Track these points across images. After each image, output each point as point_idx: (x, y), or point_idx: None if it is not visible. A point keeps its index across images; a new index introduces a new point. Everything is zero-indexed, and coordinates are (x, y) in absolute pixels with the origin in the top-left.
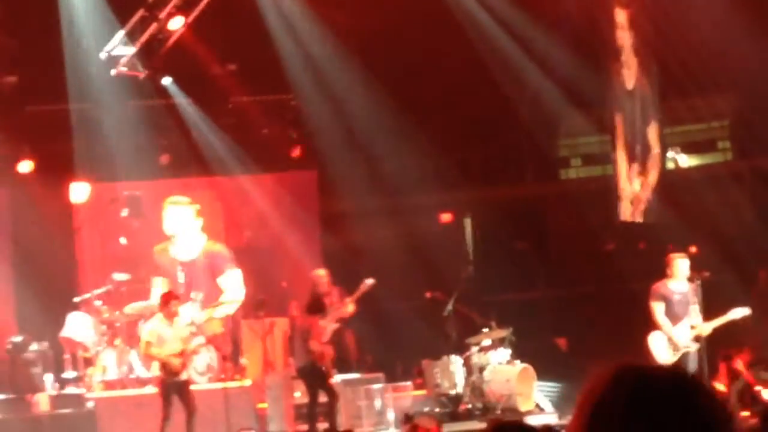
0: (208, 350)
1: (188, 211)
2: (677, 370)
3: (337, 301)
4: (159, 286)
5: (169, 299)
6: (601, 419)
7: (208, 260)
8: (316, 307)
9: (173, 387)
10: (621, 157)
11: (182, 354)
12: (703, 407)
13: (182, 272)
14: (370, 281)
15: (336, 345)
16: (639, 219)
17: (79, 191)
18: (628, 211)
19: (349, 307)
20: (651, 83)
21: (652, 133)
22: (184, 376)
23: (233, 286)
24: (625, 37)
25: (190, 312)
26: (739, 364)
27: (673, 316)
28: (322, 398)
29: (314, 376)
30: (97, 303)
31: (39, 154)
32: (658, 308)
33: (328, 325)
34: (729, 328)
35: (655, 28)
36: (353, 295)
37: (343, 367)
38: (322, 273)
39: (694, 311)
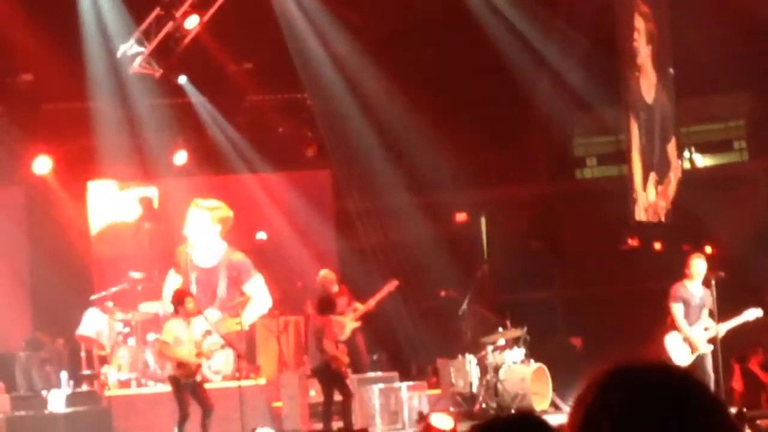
0: (223, 349)
1: (205, 216)
2: (673, 368)
3: (349, 300)
4: (173, 282)
5: (183, 297)
6: (595, 421)
7: (230, 270)
8: (327, 306)
9: (187, 387)
10: (636, 162)
11: (198, 356)
12: (700, 406)
13: (197, 277)
14: (394, 282)
15: (349, 346)
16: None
17: (94, 190)
18: (642, 215)
19: (368, 306)
20: (670, 97)
21: (672, 148)
22: (198, 377)
23: (259, 291)
24: (642, 45)
25: (208, 315)
26: (754, 365)
27: (690, 319)
28: (337, 397)
29: (329, 376)
30: (112, 302)
31: (55, 152)
32: (678, 309)
33: (348, 323)
34: (743, 329)
35: (673, 29)
36: (377, 296)
37: (354, 368)
38: (328, 273)
39: (705, 315)
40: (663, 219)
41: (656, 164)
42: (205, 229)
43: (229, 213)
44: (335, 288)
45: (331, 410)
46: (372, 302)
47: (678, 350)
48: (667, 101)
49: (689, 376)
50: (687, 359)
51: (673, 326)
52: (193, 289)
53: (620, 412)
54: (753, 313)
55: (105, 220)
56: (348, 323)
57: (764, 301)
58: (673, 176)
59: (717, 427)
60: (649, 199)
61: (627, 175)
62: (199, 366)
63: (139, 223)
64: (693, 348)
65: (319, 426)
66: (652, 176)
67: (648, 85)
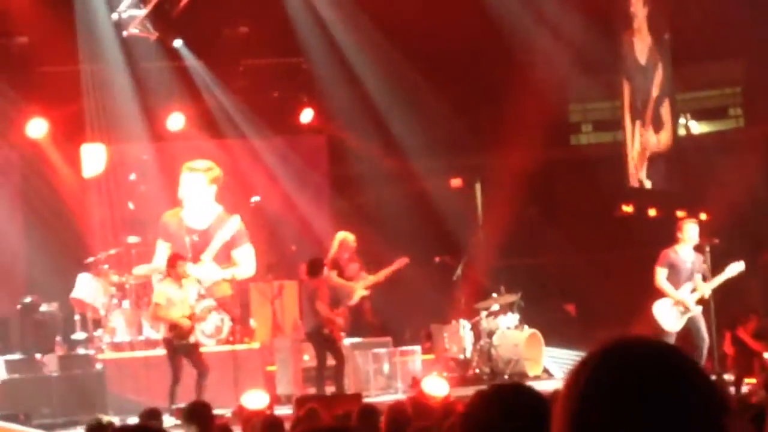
0: (218, 313)
1: (201, 178)
2: (666, 345)
3: (360, 268)
4: (163, 251)
5: (175, 260)
6: (589, 400)
7: (224, 232)
8: (318, 267)
9: (181, 349)
10: (629, 125)
11: (191, 317)
12: (692, 385)
13: (190, 239)
14: (404, 259)
15: (355, 311)
16: (645, 183)
17: (92, 153)
18: (634, 177)
19: (378, 278)
20: (664, 59)
21: (665, 108)
22: (192, 339)
23: (247, 261)
24: (639, 8)
25: (198, 271)
26: (743, 333)
27: (678, 283)
28: (330, 361)
29: (321, 338)
30: (107, 265)
31: (50, 115)
32: (661, 273)
33: (357, 290)
34: (736, 297)
35: None
36: (387, 269)
37: (359, 332)
38: (348, 236)
39: (699, 280)
40: (651, 178)
41: (649, 123)
42: (201, 192)
43: (219, 171)
44: (348, 253)
45: (324, 374)
46: (382, 275)
47: (668, 316)
48: (662, 64)
49: (682, 354)
50: (678, 324)
51: (661, 293)
52: (187, 249)
53: (612, 392)
54: (735, 268)
55: (100, 183)
56: (358, 290)
57: (758, 267)
58: (667, 134)
59: (708, 406)
60: (636, 157)
61: (622, 141)
62: (192, 328)
63: (133, 187)
64: (682, 309)
65: (313, 390)
66: (638, 134)
67: (643, 47)
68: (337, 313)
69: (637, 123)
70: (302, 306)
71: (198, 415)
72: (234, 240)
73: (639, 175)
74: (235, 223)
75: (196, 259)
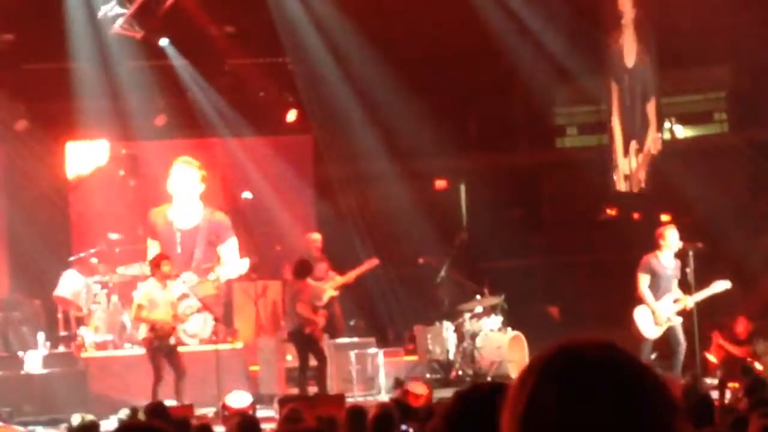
0: (199, 313)
1: (195, 174)
2: (613, 347)
3: (328, 268)
4: (155, 249)
5: (159, 261)
6: (536, 402)
7: (210, 229)
8: (305, 269)
9: (161, 350)
10: (617, 128)
11: (173, 318)
12: (637, 384)
13: (179, 238)
14: (374, 260)
15: (326, 312)
16: (634, 190)
17: (77, 151)
18: (622, 185)
19: (348, 278)
20: (651, 60)
21: (651, 109)
22: (172, 341)
23: (233, 254)
24: (626, 7)
25: (186, 278)
26: (724, 339)
27: (660, 290)
28: (312, 362)
29: (303, 339)
30: (92, 261)
31: (35, 112)
32: (643, 280)
33: (327, 291)
34: (719, 302)
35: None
36: (356, 270)
37: (331, 334)
38: (316, 237)
39: (675, 286)
40: (644, 186)
41: (638, 131)
42: (191, 188)
43: (205, 173)
44: (317, 253)
45: (306, 375)
46: (351, 275)
47: (647, 322)
48: (649, 63)
49: (630, 356)
50: (657, 332)
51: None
52: (177, 249)
53: (560, 394)
54: (721, 285)
55: (85, 177)
56: (327, 290)
57: (741, 273)
58: (651, 138)
59: (657, 406)
60: (631, 167)
61: (607, 144)
62: (173, 329)
63: (124, 179)
64: (658, 320)
65: (295, 391)
66: (633, 144)
67: (630, 49)
68: (317, 315)
69: (632, 143)
70: (285, 306)
71: (156, 415)
72: (219, 235)
73: (638, 175)
74: (219, 218)
75: (185, 258)
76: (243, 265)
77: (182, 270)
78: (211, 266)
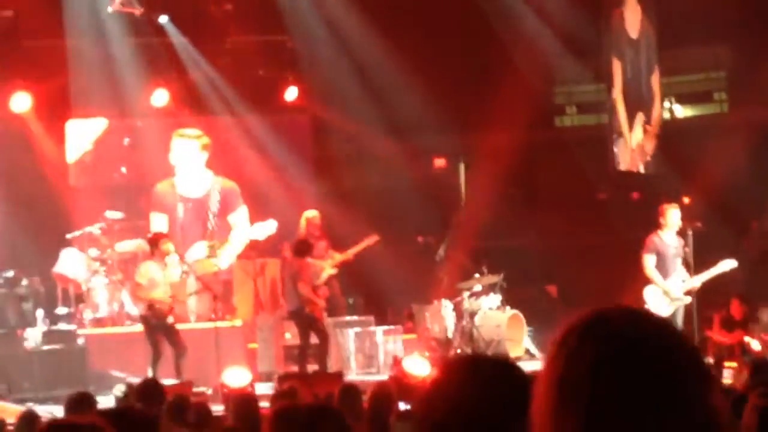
0: (199, 294)
1: (194, 144)
2: (650, 314)
3: (327, 246)
4: (158, 222)
5: (158, 239)
6: (574, 368)
7: (221, 197)
8: (304, 248)
9: (159, 328)
10: (620, 103)
11: (172, 298)
12: (678, 352)
13: (184, 208)
14: (374, 237)
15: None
16: (640, 169)
17: (76, 129)
18: (627, 160)
19: (347, 256)
20: (654, 31)
21: (655, 81)
22: (170, 320)
23: (243, 223)
24: None
25: (192, 254)
26: (716, 327)
27: (666, 270)
28: (314, 340)
29: (304, 318)
30: (93, 236)
31: (34, 89)
32: (649, 261)
33: (326, 269)
34: (721, 278)
35: None
36: (356, 248)
37: (330, 312)
38: (315, 214)
39: (679, 264)
40: (650, 159)
41: (645, 103)
42: (193, 159)
43: (208, 139)
44: (317, 231)
45: (307, 353)
46: (350, 253)
47: (657, 302)
48: (653, 33)
49: (667, 322)
50: (667, 311)
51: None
52: (182, 221)
53: (598, 359)
54: (728, 264)
55: (85, 154)
56: (326, 268)
57: (741, 252)
58: (657, 109)
59: (693, 374)
60: (636, 140)
61: (607, 123)
62: (171, 308)
63: (126, 154)
64: (670, 299)
65: (295, 368)
66: (640, 116)
67: (633, 20)
68: (318, 294)
69: (638, 115)
70: (285, 285)
71: (150, 393)
72: (228, 204)
73: (646, 148)
74: (230, 186)
75: (190, 228)
76: (270, 226)
77: (195, 240)
78: (225, 239)
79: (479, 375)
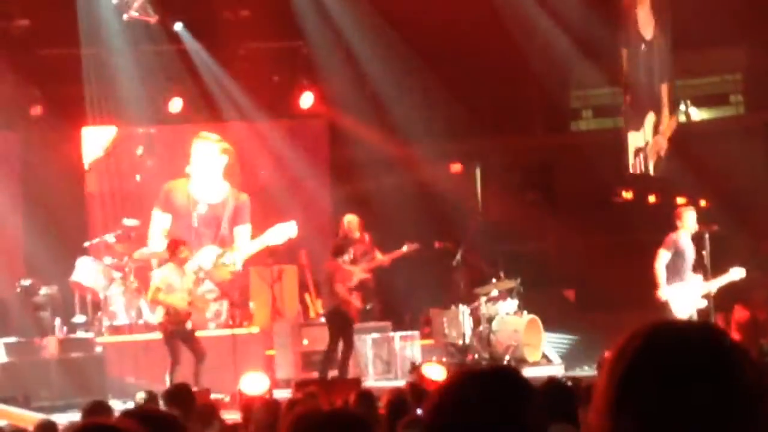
0: (217, 301)
1: (215, 147)
2: (709, 327)
3: (368, 249)
4: (159, 220)
5: (176, 246)
6: (636, 384)
7: (235, 206)
8: (338, 250)
9: (177, 334)
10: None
11: (190, 304)
12: (739, 366)
13: (198, 212)
14: (415, 245)
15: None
16: (648, 171)
17: (92, 137)
18: (632, 160)
19: (382, 260)
20: (667, 40)
21: (665, 89)
22: (188, 326)
23: (245, 238)
24: None
25: (201, 258)
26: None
27: (685, 270)
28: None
29: (339, 320)
30: (109, 244)
31: (50, 98)
32: (663, 256)
33: (357, 273)
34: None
35: None
36: (392, 254)
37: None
38: (353, 218)
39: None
40: (656, 159)
41: (656, 104)
42: (212, 162)
43: (229, 145)
44: (356, 234)
45: (333, 357)
46: (387, 258)
47: (680, 301)
48: (664, 43)
49: (725, 335)
50: (688, 311)
51: (673, 277)
52: (195, 224)
53: (663, 374)
54: (738, 273)
55: (101, 162)
56: (357, 272)
57: (758, 256)
58: (666, 118)
59: (755, 387)
60: (646, 139)
61: (623, 126)
62: (189, 314)
63: (139, 163)
64: (690, 300)
65: (312, 375)
66: (651, 116)
67: (647, 22)
68: (353, 296)
69: (649, 115)
70: (321, 287)
71: (180, 398)
72: (241, 216)
73: (656, 148)
74: (244, 200)
75: (204, 232)
76: (290, 228)
77: (206, 244)
78: (232, 246)
79: (479, 383)
